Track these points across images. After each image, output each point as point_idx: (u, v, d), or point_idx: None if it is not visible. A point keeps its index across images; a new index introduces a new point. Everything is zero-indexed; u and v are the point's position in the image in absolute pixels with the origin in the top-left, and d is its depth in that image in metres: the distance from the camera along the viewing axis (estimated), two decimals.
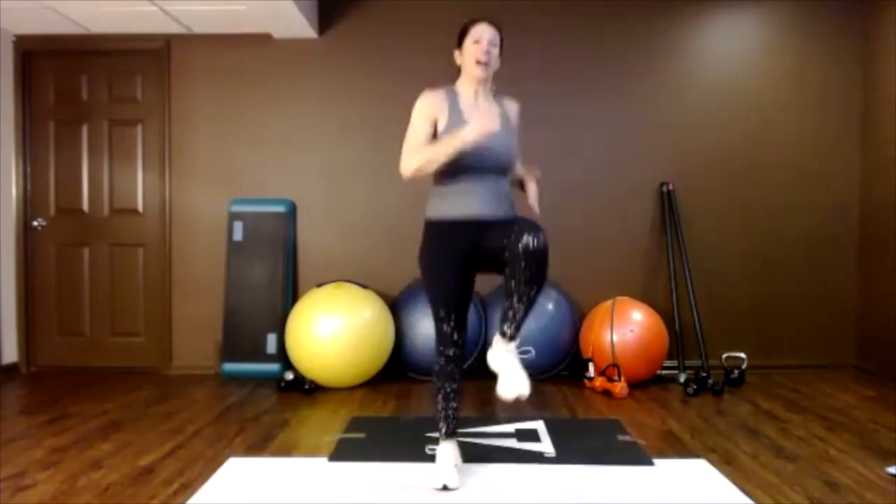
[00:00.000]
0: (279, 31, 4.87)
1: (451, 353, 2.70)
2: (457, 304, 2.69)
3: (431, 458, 2.95)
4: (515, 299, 2.43)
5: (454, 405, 2.73)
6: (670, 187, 4.90)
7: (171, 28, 4.82)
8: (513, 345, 2.52)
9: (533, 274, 2.38)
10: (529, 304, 2.45)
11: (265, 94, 4.99)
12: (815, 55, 4.95)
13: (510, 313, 2.46)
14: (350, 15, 4.98)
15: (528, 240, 2.35)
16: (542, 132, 4.94)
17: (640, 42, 4.95)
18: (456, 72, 2.73)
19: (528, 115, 4.99)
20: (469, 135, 2.46)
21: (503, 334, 2.51)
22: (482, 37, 2.62)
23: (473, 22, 2.66)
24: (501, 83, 5.16)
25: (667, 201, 4.90)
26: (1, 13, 4.51)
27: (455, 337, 2.70)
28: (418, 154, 2.57)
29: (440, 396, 2.72)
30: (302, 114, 5.00)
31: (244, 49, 4.97)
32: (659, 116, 4.95)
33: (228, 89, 4.99)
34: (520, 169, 2.79)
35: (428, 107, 2.63)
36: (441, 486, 2.63)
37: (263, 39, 4.96)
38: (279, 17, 4.53)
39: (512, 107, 2.79)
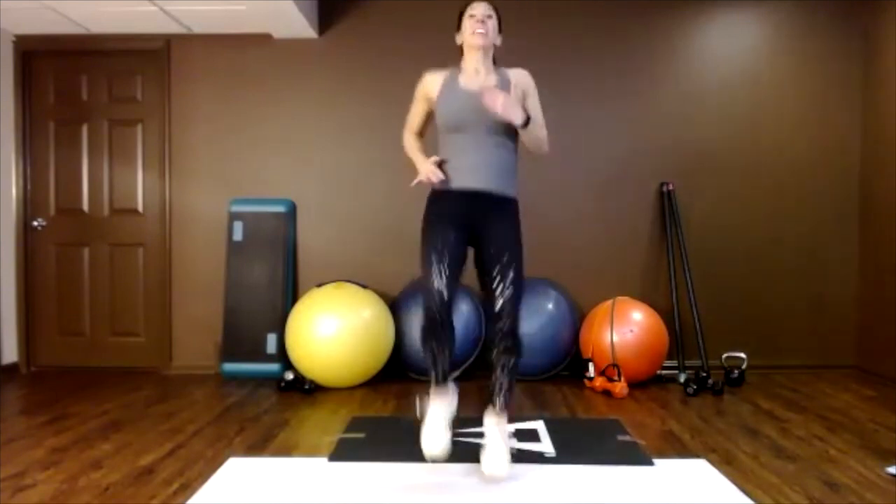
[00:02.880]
0: (279, 31, 4.87)
1: (437, 311, 2.64)
2: (447, 259, 2.69)
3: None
4: (498, 371, 2.69)
5: (444, 357, 2.68)
6: (670, 187, 4.90)
7: (171, 28, 4.82)
8: (504, 418, 2.68)
9: (508, 347, 2.66)
10: (511, 373, 2.69)
11: (265, 94, 4.99)
12: (815, 55, 4.95)
13: (496, 385, 2.70)
14: (350, 15, 4.98)
15: (501, 323, 2.64)
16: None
17: (640, 42, 4.95)
18: (458, 54, 2.92)
19: None
20: (421, 167, 2.82)
21: (493, 405, 2.71)
22: (476, 11, 2.82)
23: (468, 3, 2.87)
24: None
25: (667, 201, 4.90)
26: (1, 13, 4.52)
27: (445, 295, 2.65)
28: (408, 141, 3.01)
29: (428, 355, 2.70)
30: (302, 114, 5.00)
31: (244, 49, 4.97)
32: (659, 116, 4.95)
33: (228, 89, 4.99)
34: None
35: (423, 85, 2.93)
36: (430, 459, 2.60)
37: (263, 39, 4.96)
38: (279, 17, 4.53)
39: (519, 76, 2.90)
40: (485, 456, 2.65)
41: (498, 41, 2.90)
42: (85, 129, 5.06)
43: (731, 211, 4.96)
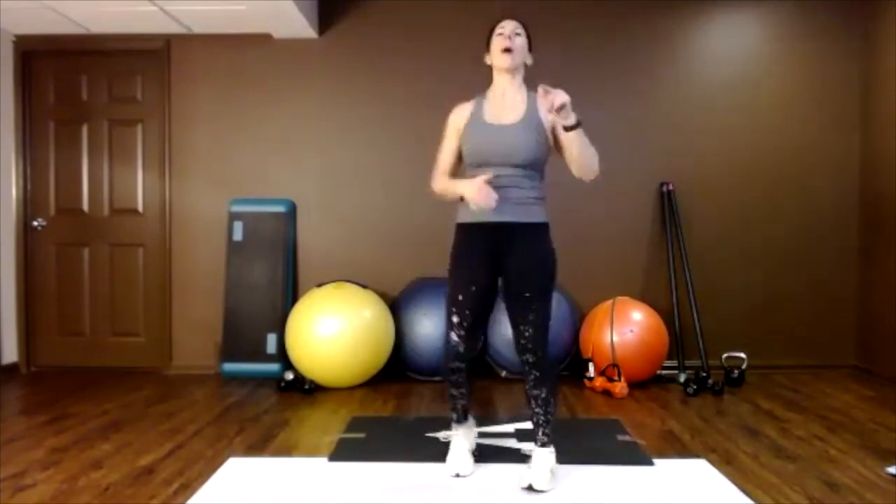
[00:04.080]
0: (279, 31, 4.87)
1: (454, 366, 2.76)
2: (469, 309, 2.68)
3: (431, 458, 2.96)
4: (533, 404, 2.70)
5: (463, 397, 2.84)
6: (670, 187, 4.90)
7: (171, 28, 4.82)
8: (548, 450, 2.72)
9: (537, 379, 2.66)
10: (545, 403, 2.69)
11: (265, 94, 4.99)
12: (815, 55, 4.95)
13: (534, 419, 2.73)
14: (350, 15, 4.98)
15: (526, 356, 2.64)
16: None
17: (640, 42, 4.95)
18: (487, 79, 2.78)
19: None
20: (469, 194, 2.56)
21: (535, 441, 2.74)
22: (504, 27, 2.70)
23: (496, 21, 2.76)
24: None
25: (667, 201, 4.90)
26: (1, 13, 4.52)
27: (460, 349, 2.72)
28: (440, 183, 2.78)
29: (449, 396, 2.85)
30: (302, 114, 5.00)
31: (244, 49, 4.97)
32: (659, 116, 4.95)
33: (228, 89, 4.99)
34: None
35: (452, 121, 2.77)
36: (454, 474, 2.75)
37: (263, 39, 4.96)
38: (279, 17, 4.53)
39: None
40: (533, 473, 2.67)
41: (529, 60, 2.75)
42: (85, 129, 5.06)
43: (730, 211, 4.96)
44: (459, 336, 2.71)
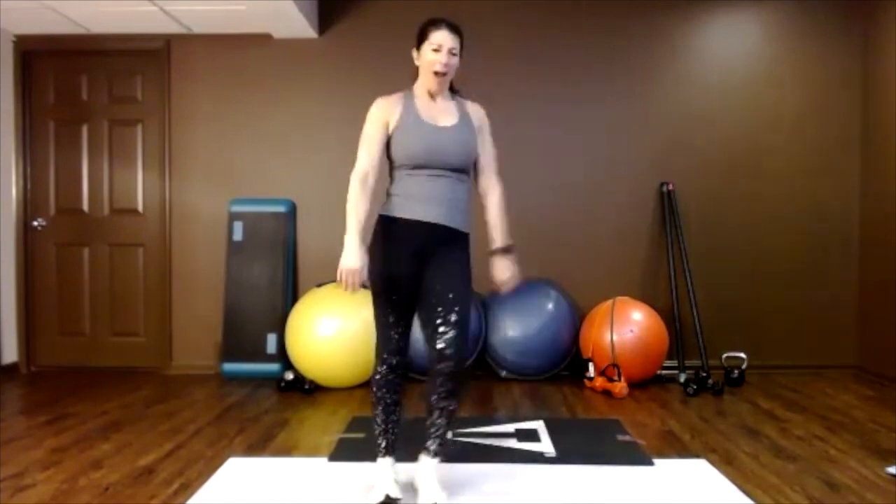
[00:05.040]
0: (279, 31, 4.87)
1: (394, 361, 2.60)
2: (405, 307, 2.60)
3: None
4: (436, 415, 2.52)
5: (395, 418, 2.61)
6: (670, 187, 4.90)
7: (171, 28, 4.82)
8: (437, 461, 2.53)
9: (450, 391, 2.49)
10: (449, 417, 2.53)
11: (265, 94, 4.99)
12: (815, 55, 4.95)
13: (432, 430, 2.53)
14: (350, 15, 4.98)
15: (444, 365, 2.46)
16: (543, 132, 4.95)
17: (640, 42, 4.95)
18: (413, 74, 2.66)
19: (528, 116, 5.01)
20: (345, 264, 2.65)
21: (427, 451, 2.53)
22: (442, 45, 2.53)
23: (433, 25, 2.57)
24: (505, 84, 5.16)
25: (667, 201, 4.90)
26: (1, 13, 4.51)
27: (401, 344, 2.62)
28: (352, 197, 2.70)
29: (380, 409, 2.59)
30: (302, 114, 5.00)
31: (244, 49, 4.97)
32: (659, 116, 4.95)
33: (228, 89, 4.99)
34: (495, 233, 2.65)
35: (379, 112, 2.59)
36: (384, 499, 2.48)
37: (263, 39, 4.96)
38: (279, 17, 4.53)
39: (476, 111, 2.68)
40: (421, 494, 2.49)
41: (454, 72, 2.62)
42: (85, 129, 5.06)
43: (730, 211, 4.95)
44: (397, 332, 2.60)
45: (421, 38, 2.59)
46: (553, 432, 3.38)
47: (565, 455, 3.03)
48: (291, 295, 4.89)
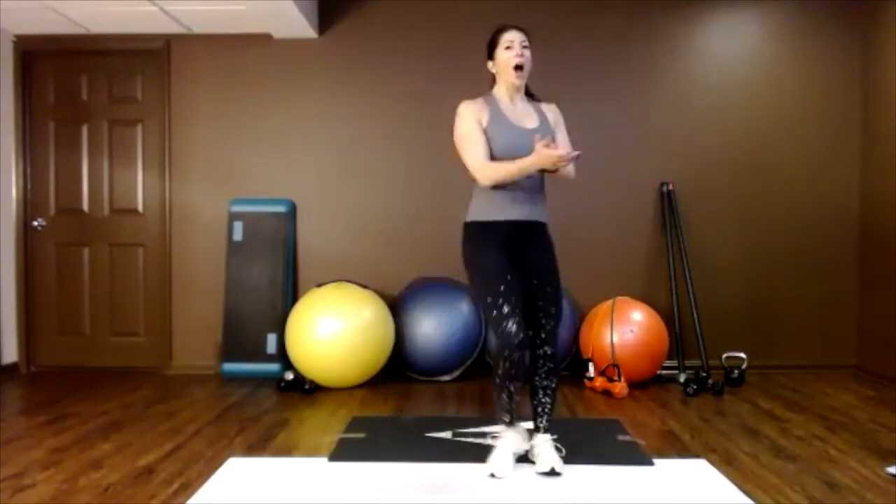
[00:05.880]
0: (279, 31, 4.87)
1: (515, 356, 2.65)
2: (515, 294, 2.68)
3: (431, 458, 2.96)
4: (541, 394, 2.84)
5: (517, 398, 2.81)
6: (670, 187, 4.90)
7: (171, 28, 4.82)
8: (548, 436, 2.82)
9: (550, 370, 2.82)
10: (553, 394, 2.85)
11: (265, 94, 4.99)
12: (815, 55, 4.95)
13: (543, 408, 2.85)
14: (350, 15, 4.98)
15: (545, 349, 2.79)
16: None
17: (640, 42, 4.95)
18: (489, 82, 2.86)
19: None
20: (543, 163, 2.61)
21: (538, 428, 2.84)
22: (514, 41, 2.72)
23: (501, 30, 2.77)
24: None
25: (667, 201, 4.90)
26: (1, 13, 4.51)
27: (521, 335, 2.63)
28: (496, 169, 2.67)
29: (504, 395, 2.76)
30: (302, 114, 5.00)
31: (244, 49, 4.97)
32: (659, 116, 4.95)
33: (228, 89, 4.99)
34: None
35: (470, 113, 2.74)
36: (489, 474, 2.72)
37: (263, 39, 4.96)
38: (279, 17, 4.53)
39: (550, 110, 2.90)
40: (539, 463, 2.77)
41: (531, 67, 2.79)
42: (85, 129, 5.06)
43: (730, 211, 4.96)
44: (517, 324, 2.63)
45: (492, 46, 2.79)
46: (553, 432, 3.37)
47: (565, 455, 3.03)
48: (291, 295, 4.89)
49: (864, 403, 3.99)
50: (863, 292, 4.91)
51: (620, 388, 4.15)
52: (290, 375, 4.40)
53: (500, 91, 2.80)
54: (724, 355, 4.70)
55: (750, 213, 4.95)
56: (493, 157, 2.71)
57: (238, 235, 4.90)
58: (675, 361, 4.70)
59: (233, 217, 4.92)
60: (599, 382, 4.28)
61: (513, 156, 2.68)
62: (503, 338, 2.65)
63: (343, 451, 3.10)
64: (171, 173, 5.01)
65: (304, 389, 4.28)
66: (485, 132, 2.72)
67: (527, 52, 2.74)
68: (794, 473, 2.82)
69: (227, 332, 4.80)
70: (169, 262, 5.01)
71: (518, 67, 2.71)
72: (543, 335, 2.78)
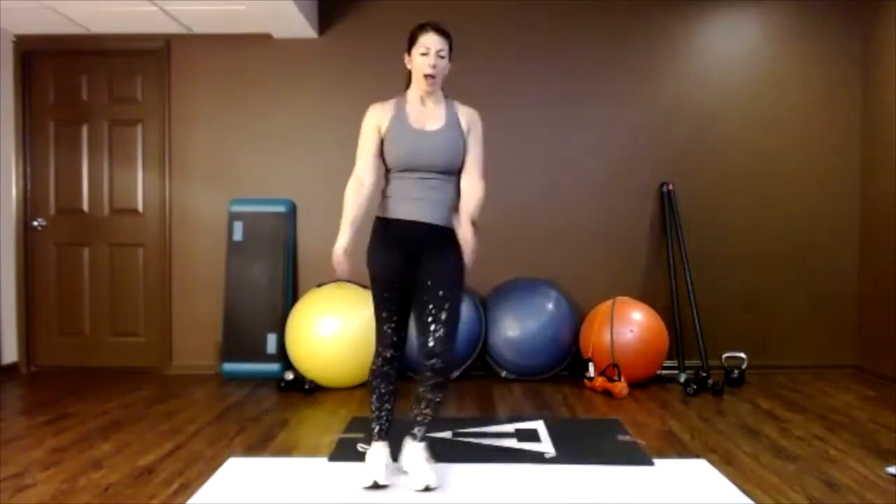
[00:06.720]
0: (279, 31, 4.87)
1: (388, 354, 2.72)
2: (398, 303, 2.71)
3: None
4: (423, 405, 2.68)
5: (388, 406, 2.75)
6: (670, 187, 4.90)
7: (171, 28, 4.82)
8: (423, 445, 2.69)
9: (437, 384, 2.64)
10: (437, 408, 2.69)
11: (265, 94, 4.99)
12: (815, 55, 4.95)
13: (419, 418, 2.69)
14: (350, 15, 4.98)
15: (433, 361, 2.60)
16: (543, 133, 4.95)
17: (640, 42, 4.95)
18: (406, 77, 2.76)
19: (528, 116, 5.01)
20: (336, 252, 2.75)
21: (413, 437, 2.69)
22: (430, 48, 2.63)
23: (421, 29, 2.68)
24: (505, 84, 5.15)
25: (667, 201, 4.90)
26: (1, 13, 4.51)
27: (395, 338, 2.73)
28: (346, 198, 2.85)
29: (374, 396, 2.74)
30: (302, 114, 5.00)
31: (244, 49, 4.97)
32: (659, 116, 4.95)
33: (228, 89, 4.99)
34: (463, 212, 2.68)
35: (371, 119, 2.72)
36: (371, 483, 2.61)
37: (263, 39, 4.96)
38: (279, 17, 4.53)
39: (467, 114, 2.74)
40: (412, 477, 2.63)
41: (447, 71, 2.71)
42: (85, 129, 5.06)
43: (731, 211, 4.95)
44: (391, 327, 2.71)
45: (410, 43, 2.70)
46: (553, 432, 3.38)
47: (565, 455, 3.03)
48: (291, 295, 4.89)
49: (864, 403, 3.99)
50: (863, 292, 4.91)
51: (620, 387, 4.15)
52: (290, 375, 4.40)
53: (412, 91, 2.73)
54: (724, 355, 4.70)
55: (750, 212, 4.95)
56: (392, 163, 2.70)
57: (238, 235, 4.90)
58: (675, 361, 4.70)
59: (233, 217, 4.92)
60: (599, 382, 4.28)
61: (412, 160, 2.64)
62: (377, 338, 2.75)
63: (343, 451, 3.10)
64: (171, 173, 5.01)
65: (304, 389, 4.28)
66: (384, 138, 2.69)
67: (441, 62, 2.64)
68: (794, 473, 2.82)
69: (227, 332, 4.80)
70: (169, 262, 5.01)
71: (427, 76, 2.63)
72: (432, 343, 2.60)
